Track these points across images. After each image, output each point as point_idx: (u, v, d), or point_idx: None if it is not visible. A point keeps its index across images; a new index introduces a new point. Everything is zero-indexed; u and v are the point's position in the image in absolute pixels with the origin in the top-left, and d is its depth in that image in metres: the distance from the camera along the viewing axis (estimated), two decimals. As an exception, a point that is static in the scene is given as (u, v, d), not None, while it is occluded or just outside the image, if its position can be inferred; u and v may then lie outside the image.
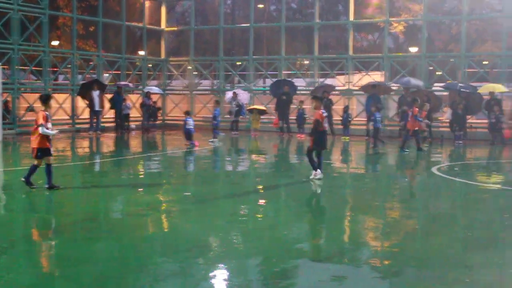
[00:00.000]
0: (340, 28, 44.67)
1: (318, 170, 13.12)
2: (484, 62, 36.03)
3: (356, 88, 30.74)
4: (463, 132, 26.48)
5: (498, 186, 13.98)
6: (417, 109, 21.20)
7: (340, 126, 28.10)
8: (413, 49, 37.89)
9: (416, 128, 20.87)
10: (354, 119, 30.04)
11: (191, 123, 21.91)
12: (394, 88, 30.15)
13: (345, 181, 14.59)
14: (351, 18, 32.37)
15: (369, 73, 31.55)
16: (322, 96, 14.32)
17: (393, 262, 6.91)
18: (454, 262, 6.79)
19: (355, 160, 20.50)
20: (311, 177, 13.08)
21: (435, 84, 30.55)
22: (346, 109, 28.89)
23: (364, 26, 43.91)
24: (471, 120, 28.68)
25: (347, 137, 26.87)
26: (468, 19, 31.81)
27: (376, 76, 31.61)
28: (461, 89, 26.93)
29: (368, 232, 8.83)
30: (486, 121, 27.04)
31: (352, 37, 32.76)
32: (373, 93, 27.78)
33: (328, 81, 32.35)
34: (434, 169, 16.04)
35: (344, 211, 10.44)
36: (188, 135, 21.73)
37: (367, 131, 25.50)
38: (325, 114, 13.26)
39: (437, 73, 32.07)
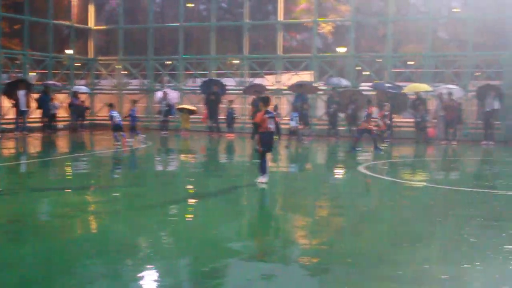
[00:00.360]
0: (270, 28, 44.86)
1: (266, 176, 12.69)
2: (409, 62, 36.82)
3: (285, 87, 31.00)
4: (390, 132, 26.99)
5: (424, 183, 14.32)
6: (373, 108, 21.66)
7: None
8: (341, 49, 38.43)
9: (370, 127, 21.19)
10: (283, 118, 30.19)
11: (117, 116, 21.62)
12: (322, 87, 30.53)
13: (274, 180, 14.66)
14: (280, 18, 32.61)
15: (298, 73, 31.84)
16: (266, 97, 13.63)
17: (322, 259, 6.99)
18: (381, 258, 6.91)
19: (283, 159, 20.63)
20: (257, 180, 12.64)
21: (363, 84, 31.06)
22: (275, 109, 29.03)
23: (293, 26, 44.24)
24: (397, 119, 29.29)
25: (276, 137, 26.97)
26: (394, 20, 32.47)
27: (305, 76, 31.94)
28: (388, 89, 27.47)
29: (298, 230, 8.91)
30: (412, 120, 27.67)
31: (281, 37, 32.98)
32: (300, 92, 28.11)
33: (257, 80, 32.47)
34: (361, 168, 16.31)
35: (274, 210, 10.52)
36: (118, 128, 21.43)
37: (289, 130, 25.74)
38: (270, 115, 12.69)
39: (364, 73, 32.59)
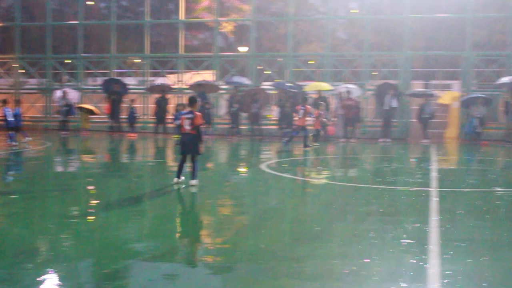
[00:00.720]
0: (171, 27, 44.56)
1: (182, 178, 12.37)
2: (310, 62, 37.47)
3: (187, 87, 30.98)
4: (291, 130, 27.37)
5: (324, 181, 14.61)
6: (309, 107, 21.99)
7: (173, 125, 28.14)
8: (243, 49, 38.65)
9: (305, 125, 21.67)
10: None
11: (11, 113, 20.96)
12: (223, 86, 30.69)
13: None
14: (182, 17, 32.50)
15: (199, 72, 31.86)
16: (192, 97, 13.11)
17: (225, 258, 7.02)
18: (283, 255, 7.00)
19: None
20: (193, 182, 12.21)
21: (264, 83, 31.40)
22: (178, 108, 28.94)
23: (194, 25, 44.15)
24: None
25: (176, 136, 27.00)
26: (294, 20, 32.93)
27: (207, 75, 32.01)
28: (289, 88, 27.86)
29: (200, 229, 8.91)
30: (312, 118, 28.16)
31: (183, 36, 32.88)
32: (201, 91, 28.17)
33: (159, 80, 32.28)
34: (263, 166, 16.47)
35: (176, 210, 10.47)
36: (12, 127, 20.80)
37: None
38: (188, 116, 12.21)
39: (266, 72, 32.93)
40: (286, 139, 22.80)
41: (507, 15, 30.10)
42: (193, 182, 12.09)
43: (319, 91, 27.56)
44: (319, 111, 23.93)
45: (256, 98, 28.53)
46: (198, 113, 12.21)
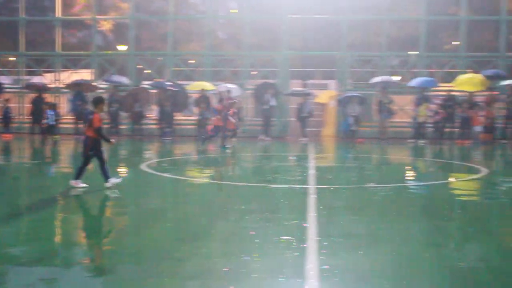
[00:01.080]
0: (48, 24, 43.30)
1: (112, 179, 11.96)
2: (190, 61, 37.49)
3: (64, 86, 30.30)
4: (171, 129, 27.34)
5: (206, 180, 14.68)
6: (221, 106, 21.99)
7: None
8: (122, 47, 38.15)
9: (221, 125, 21.73)
10: (63, 118, 29.56)
11: None
12: (102, 86, 30.23)
13: (55, 181, 14.29)
14: (59, 14, 31.72)
15: (78, 71, 31.22)
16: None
17: (106, 259, 6.95)
18: (166, 255, 7.01)
19: (63, 159, 20.17)
20: (108, 185, 11.89)
21: (144, 82, 31.15)
22: (53, 107, 28.32)
23: (72, 23, 43.14)
24: (178, 117, 29.72)
25: (57, 136, 26.43)
26: (174, 19, 32.82)
27: (86, 74, 31.42)
28: (168, 87, 27.78)
29: (80, 231, 8.76)
30: (193, 118, 28.22)
31: (60, 34, 32.08)
32: (79, 91, 27.64)
33: (35, 79, 31.32)
34: (143, 166, 16.36)
35: (55, 212, 10.22)
36: None
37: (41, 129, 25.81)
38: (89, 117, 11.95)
39: (146, 71, 32.66)
40: (203, 137, 23.12)
41: (382, 17, 31.26)
42: (108, 184, 11.84)
43: (202, 90, 27.61)
44: (234, 109, 24.09)
45: (138, 98, 28.27)
46: (96, 115, 11.79)
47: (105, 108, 28.24)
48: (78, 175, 11.92)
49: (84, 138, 11.95)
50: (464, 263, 6.88)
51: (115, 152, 20.36)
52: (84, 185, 11.82)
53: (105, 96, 29.55)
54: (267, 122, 28.15)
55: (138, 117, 28.18)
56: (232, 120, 23.40)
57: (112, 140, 12.30)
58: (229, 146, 22.54)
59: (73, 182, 11.85)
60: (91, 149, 11.78)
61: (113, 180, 11.94)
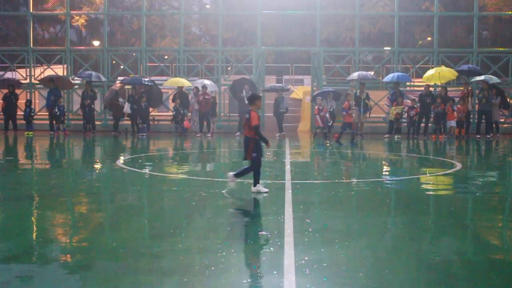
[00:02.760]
0: (20, 19, 42.93)
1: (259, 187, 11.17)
2: (165, 57, 37.37)
3: (37, 82, 30.09)
4: (146, 125, 27.25)
5: (181, 176, 14.64)
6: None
7: (23, 121, 27.44)
8: (96, 43, 37.87)
9: (350, 121, 23.36)
10: (38, 113, 29.37)
11: None
12: (77, 81, 30.06)
13: (31, 177, 14.17)
14: (31, 9, 31.47)
15: (51, 67, 30.99)
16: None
17: (83, 256, 6.90)
18: (142, 251, 6.99)
19: (39, 155, 20.00)
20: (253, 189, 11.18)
21: (118, 78, 31.01)
22: (28, 104, 28.19)
23: (45, 18, 42.81)
24: (154, 113, 29.65)
25: (31, 132, 26.27)
26: (148, 14, 32.70)
27: (59, 70, 31.19)
28: (144, 83, 27.67)
29: (56, 228, 8.70)
30: (169, 113, 28.17)
31: (32, 29, 31.82)
32: (53, 87, 27.42)
33: (8, 74, 31.06)
34: (118, 162, 16.27)
35: (30, 209, 10.13)
36: None
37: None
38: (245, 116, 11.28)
39: (122, 66, 32.50)
40: (325, 131, 24.76)
41: (355, 13, 31.39)
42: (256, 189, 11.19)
43: (180, 87, 27.51)
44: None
45: (119, 93, 28.16)
46: (253, 113, 11.08)
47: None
48: (256, 180, 11.14)
49: (244, 139, 11.36)
50: (440, 257, 6.94)
51: (91, 148, 20.25)
52: (266, 190, 11.13)
53: (79, 92, 29.36)
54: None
55: (120, 113, 27.92)
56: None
57: (269, 142, 11.41)
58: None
59: (253, 189, 11.11)
60: (254, 150, 11.09)
61: (260, 188, 11.16)
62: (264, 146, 11.36)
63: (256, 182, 11.14)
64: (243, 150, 11.39)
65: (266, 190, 11.10)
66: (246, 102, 27.68)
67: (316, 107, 25.43)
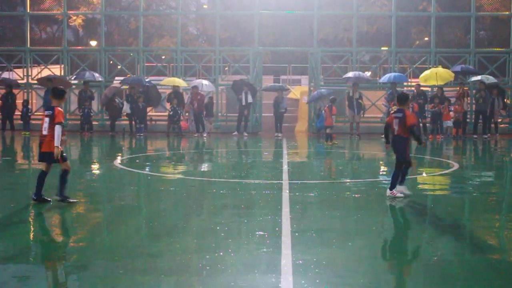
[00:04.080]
0: (17, 19, 42.87)
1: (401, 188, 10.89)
2: (162, 57, 37.34)
3: (35, 82, 30.04)
4: (144, 125, 27.22)
5: (179, 176, 14.64)
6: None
7: (20, 121, 27.46)
8: (93, 43, 37.82)
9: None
10: (35, 113, 29.33)
11: None
12: (73, 82, 30.03)
13: (28, 178, 14.16)
14: (29, 9, 31.44)
15: (48, 67, 30.95)
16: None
17: (80, 256, 6.90)
18: (139, 251, 6.99)
19: (36, 156, 19.95)
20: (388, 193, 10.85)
21: (116, 78, 30.98)
22: (25, 104, 28.17)
23: (42, 18, 42.75)
24: (151, 113, 29.63)
25: (28, 132, 26.24)
26: (145, 14, 32.67)
27: (56, 70, 31.15)
28: (144, 83, 27.65)
29: (54, 228, 8.70)
30: (165, 113, 28.15)
31: (29, 29, 31.79)
32: (51, 86, 27.38)
33: (5, 74, 31.01)
34: (116, 162, 16.27)
35: (27, 209, 10.12)
36: None
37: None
38: (397, 115, 10.95)
39: (119, 66, 32.46)
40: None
41: (352, 13, 31.38)
42: (389, 193, 10.73)
43: (175, 86, 27.48)
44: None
45: (117, 93, 28.15)
46: (407, 112, 10.82)
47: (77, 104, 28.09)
48: (401, 181, 10.89)
49: (395, 139, 10.92)
50: (437, 257, 6.96)
51: (89, 148, 20.23)
52: (408, 192, 10.92)
53: (76, 92, 29.33)
54: (245, 118, 28.02)
55: (117, 113, 27.87)
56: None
57: (424, 141, 10.90)
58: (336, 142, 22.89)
59: (393, 192, 10.69)
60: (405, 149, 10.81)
61: (401, 189, 10.86)
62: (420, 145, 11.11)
63: (402, 182, 10.85)
64: (394, 150, 11.01)
65: (408, 193, 10.85)
66: (244, 103, 27.82)
67: (326, 107, 24.99)
